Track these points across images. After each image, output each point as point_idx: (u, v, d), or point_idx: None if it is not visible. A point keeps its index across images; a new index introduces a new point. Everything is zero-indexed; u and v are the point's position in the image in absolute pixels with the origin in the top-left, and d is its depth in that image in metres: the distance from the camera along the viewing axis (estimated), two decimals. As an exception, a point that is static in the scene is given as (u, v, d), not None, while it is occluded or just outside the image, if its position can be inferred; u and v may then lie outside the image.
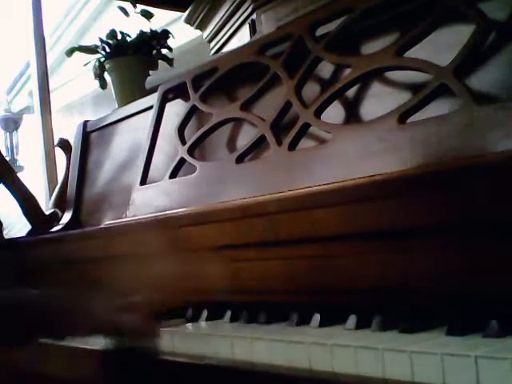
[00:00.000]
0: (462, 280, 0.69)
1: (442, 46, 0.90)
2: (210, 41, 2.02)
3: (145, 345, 0.86)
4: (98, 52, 1.74)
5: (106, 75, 1.76)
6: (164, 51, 1.76)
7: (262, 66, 1.13)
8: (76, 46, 1.82)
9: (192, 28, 2.12)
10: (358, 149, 0.90)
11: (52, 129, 2.88)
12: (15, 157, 5.59)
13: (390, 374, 0.63)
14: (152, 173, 1.31)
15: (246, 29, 1.72)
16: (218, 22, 1.91)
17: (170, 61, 1.77)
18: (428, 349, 0.61)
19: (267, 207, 0.88)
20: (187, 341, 0.86)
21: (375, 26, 1.00)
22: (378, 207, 0.75)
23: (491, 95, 0.82)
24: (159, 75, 1.55)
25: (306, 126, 1.00)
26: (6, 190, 1.61)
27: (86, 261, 1.25)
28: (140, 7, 1.86)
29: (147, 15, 1.85)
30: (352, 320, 0.76)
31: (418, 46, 0.91)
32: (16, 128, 5.67)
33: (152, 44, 1.73)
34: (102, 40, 1.73)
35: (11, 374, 0.95)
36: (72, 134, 1.73)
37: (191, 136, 1.23)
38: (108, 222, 1.32)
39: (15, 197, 1.61)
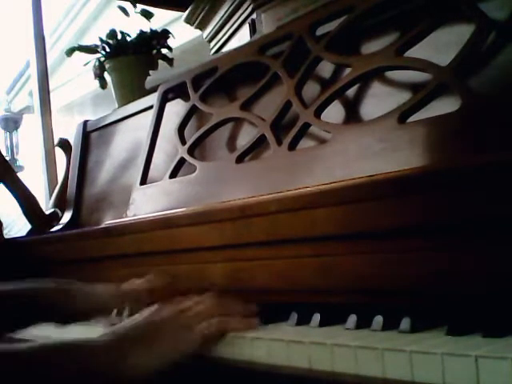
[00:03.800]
0: (462, 280, 0.69)
1: (442, 45, 0.90)
2: (210, 40, 2.02)
3: None
4: (98, 52, 1.74)
5: (106, 75, 1.76)
6: (164, 51, 1.76)
7: (262, 65, 1.13)
8: (76, 45, 1.82)
9: (192, 28, 2.11)
10: (357, 149, 0.90)
11: (52, 129, 2.88)
12: (15, 157, 5.60)
13: (390, 374, 0.63)
14: (152, 173, 1.31)
15: (245, 28, 1.72)
16: (217, 22, 1.90)
17: (170, 61, 1.77)
18: (428, 349, 0.61)
19: (267, 207, 0.88)
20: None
21: (375, 25, 1.00)
22: (378, 207, 0.75)
23: (491, 95, 0.82)
24: (159, 75, 1.55)
25: (306, 125, 1.00)
26: (6, 189, 1.61)
27: (86, 261, 1.25)
28: (140, 7, 1.86)
29: (147, 15, 1.85)
30: (352, 320, 0.76)
31: (418, 45, 0.91)
32: (16, 128, 5.68)
33: (152, 44, 1.73)
34: (102, 40, 1.73)
35: None
36: (72, 134, 1.73)
37: (191, 136, 1.23)
38: (108, 222, 1.32)
39: (15, 197, 1.61)
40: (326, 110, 0.99)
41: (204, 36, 2.07)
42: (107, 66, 1.73)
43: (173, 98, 1.36)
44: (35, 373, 0.70)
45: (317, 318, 0.80)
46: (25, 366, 0.70)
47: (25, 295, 0.99)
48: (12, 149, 5.61)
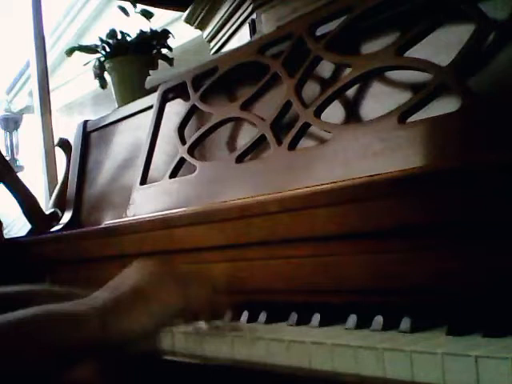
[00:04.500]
0: (462, 280, 0.69)
1: (442, 46, 0.90)
2: (210, 40, 2.02)
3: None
4: (98, 52, 1.74)
5: (106, 75, 1.76)
6: (164, 51, 1.76)
7: (262, 65, 1.13)
8: (76, 45, 1.82)
9: (192, 28, 2.12)
10: (358, 149, 0.90)
11: (52, 129, 2.88)
12: (15, 157, 5.61)
13: (390, 374, 0.63)
14: (152, 172, 1.31)
15: (245, 28, 1.72)
16: (217, 22, 1.91)
17: (170, 60, 1.77)
18: (428, 349, 0.61)
19: (267, 207, 0.88)
20: (187, 340, 0.86)
21: (375, 25, 1.00)
22: (377, 207, 0.75)
23: (491, 95, 0.82)
24: (159, 75, 1.55)
25: (306, 125, 1.00)
26: (6, 189, 1.61)
27: (86, 261, 1.25)
28: (140, 7, 1.86)
29: (147, 15, 1.85)
30: (352, 320, 0.76)
31: (418, 45, 0.91)
32: (16, 128, 5.69)
33: (152, 44, 1.73)
34: (101, 40, 1.73)
35: None
36: (72, 134, 1.73)
37: (191, 136, 1.23)
38: (108, 222, 1.32)
39: (15, 197, 1.61)
40: (326, 110, 0.99)
41: (204, 36, 2.07)
42: (107, 65, 1.73)
43: (173, 98, 1.36)
44: (16, 345, 0.69)
45: (317, 318, 0.80)
46: (5, 337, 0.69)
47: (20, 298, 0.98)
48: (12, 149, 5.62)
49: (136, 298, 0.77)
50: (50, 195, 2.07)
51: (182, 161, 1.22)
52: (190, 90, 1.27)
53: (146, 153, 1.31)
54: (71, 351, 0.72)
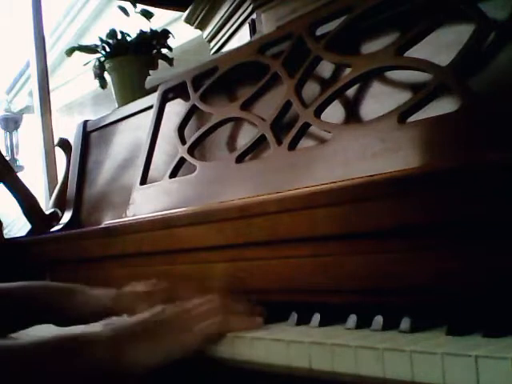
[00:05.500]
0: (462, 280, 0.69)
1: (442, 46, 0.90)
2: (210, 40, 2.02)
3: None
4: (98, 51, 1.74)
5: (106, 75, 1.76)
6: (164, 51, 1.76)
7: (262, 65, 1.13)
8: (76, 45, 1.82)
9: (192, 28, 2.12)
10: (357, 149, 0.90)
11: (52, 129, 2.88)
12: (15, 157, 5.61)
13: (390, 374, 0.63)
14: (152, 172, 1.31)
15: (245, 28, 1.72)
16: (217, 22, 1.91)
17: (170, 60, 1.77)
18: (428, 349, 0.61)
19: (267, 207, 0.88)
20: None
21: (375, 25, 1.00)
22: (377, 207, 0.75)
23: (491, 95, 0.82)
24: (159, 75, 1.55)
25: (306, 125, 1.00)
26: (6, 189, 1.61)
27: (86, 261, 1.25)
28: (140, 7, 1.86)
29: (147, 15, 1.85)
30: (352, 320, 0.76)
31: (418, 45, 0.91)
32: (16, 128, 5.69)
33: (152, 44, 1.73)
34: (101, 40, 1.73)
35: None
36: (72, 134, 1.73)
37: (191, 136, 1.23)
38: (108, 222, 1.32)
39: (15, 196, 1.61)
40: (326, 110, 0.99)
41: (204, 36, 2.07)
42: (107, 65, 1.73)
43: (173, 98, 1.36)
44: (31, 369, 0.70)
45: (317, 318, 0.80)
46: (20, 362, 0.70)
47: (20, 294, 0.99)
48: (12, 149, 5.62)
49: (153, 330, 0.79)
50: (50, 195, 2.07)
51: (181, 161, 1.22)
52: (190, 90, 1.27)
53: (146, 153, 1.31)
54: (85, 376, 0.74)
